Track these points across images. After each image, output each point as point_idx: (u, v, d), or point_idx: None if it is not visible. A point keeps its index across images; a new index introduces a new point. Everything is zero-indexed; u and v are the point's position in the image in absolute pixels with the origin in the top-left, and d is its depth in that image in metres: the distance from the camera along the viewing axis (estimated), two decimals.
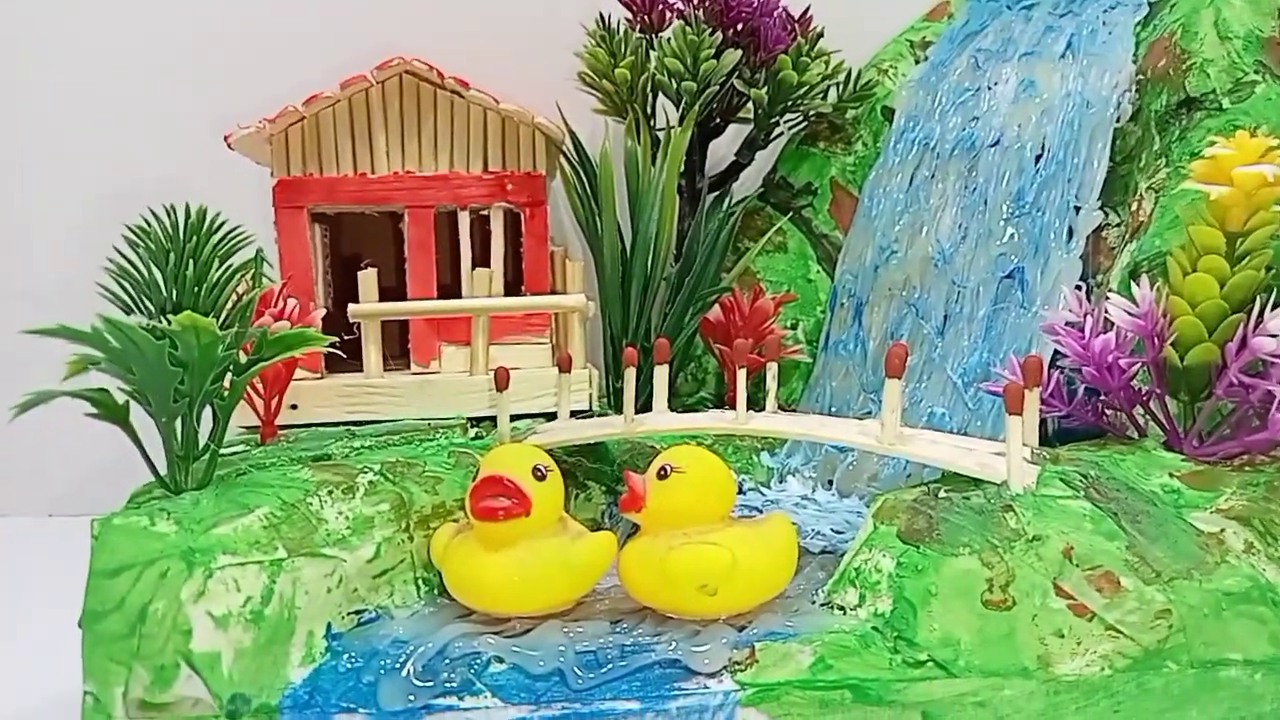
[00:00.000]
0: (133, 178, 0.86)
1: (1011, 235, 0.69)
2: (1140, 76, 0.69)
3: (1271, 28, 0.65)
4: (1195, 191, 0.55)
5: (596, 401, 0.70)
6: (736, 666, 0.42)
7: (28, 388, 0.42)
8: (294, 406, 0.64)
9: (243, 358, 0.49)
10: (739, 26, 0.77)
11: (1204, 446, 0.53)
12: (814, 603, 0.47)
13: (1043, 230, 0.67)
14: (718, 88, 0.77)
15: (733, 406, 0.57)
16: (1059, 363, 0.59)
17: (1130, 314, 0.54)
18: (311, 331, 0.49)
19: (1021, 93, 0.72)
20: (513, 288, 0.70)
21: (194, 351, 0.45)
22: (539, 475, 0.47)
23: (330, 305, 0.70)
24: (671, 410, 0.61)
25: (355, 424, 0.65)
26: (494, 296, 0.68)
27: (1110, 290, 0.62)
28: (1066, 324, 0.56)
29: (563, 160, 0.76)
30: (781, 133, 0.83)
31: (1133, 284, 0.56)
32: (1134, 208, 0.66)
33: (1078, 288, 0.59)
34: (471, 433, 0.64)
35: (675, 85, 0.76)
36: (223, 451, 0.51)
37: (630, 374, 0.60)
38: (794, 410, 0.77)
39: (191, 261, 0.51)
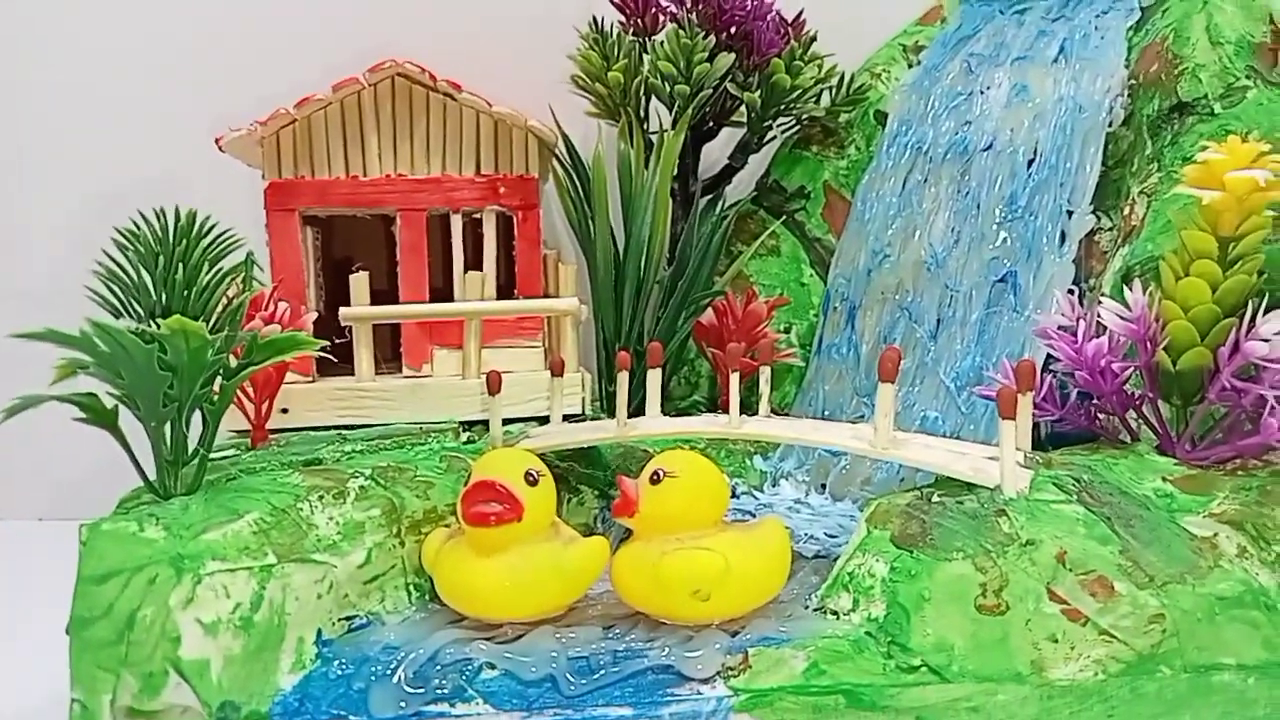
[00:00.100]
0: (132, 178, 0.86)
1: (1004, 239, 0.69)
2: (1132, 81, 0.69)
3: (1263, 33, 0.65)
4: (1187, 196, 0.56)
5: (589, 405, 0.70)
6: (730, 672, 0.42)
7: (25, 389, 0.42)
8: (285, 410, 0.64)
9: (233, 361, 0.48)
10: (732, 30, 0.77)
11: (1196, 450, 0.54)
12: (807, 608, 0.47)
13: (1035, 234, 0.67)
14: (711, 91, 0.77)
15: (726, 410, 0.57)
16: (1052, 367, 0.59)
17: (1123, 318, 0.55)
18: (302, 335, 0.49)
19: (1014, 97, 0.72)
20: (505, 291, 0.70)
21: (183, 355, 0.44)
22: (531, 480, 0.47)
23: (321, 308, 0.69)
24: (664, 414, 0.61)
25: (346, 428, 0.64)
26: (486, 300, 0.68)
27: (1103, 294, 0.62)
28: (1059, 328, 0.56)
29: (555, 163, 0.76)
30: (775, 136, 0.83)
31: (1125, 288, 0.56)
32: (1126, 212, 0.66)
33: (1070, 292, 0.59)
34: (463, 437, 0.64)
35: (668, 88, 0.76)
36: (212, 456, 0.51)
37: (623, 378, 0.60)
38: (787, 414, 0.77)
39: (181, 265, 0.51)
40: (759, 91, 0.77)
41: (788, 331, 0.79)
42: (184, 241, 0.52)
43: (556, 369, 0.64)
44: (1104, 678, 0.42)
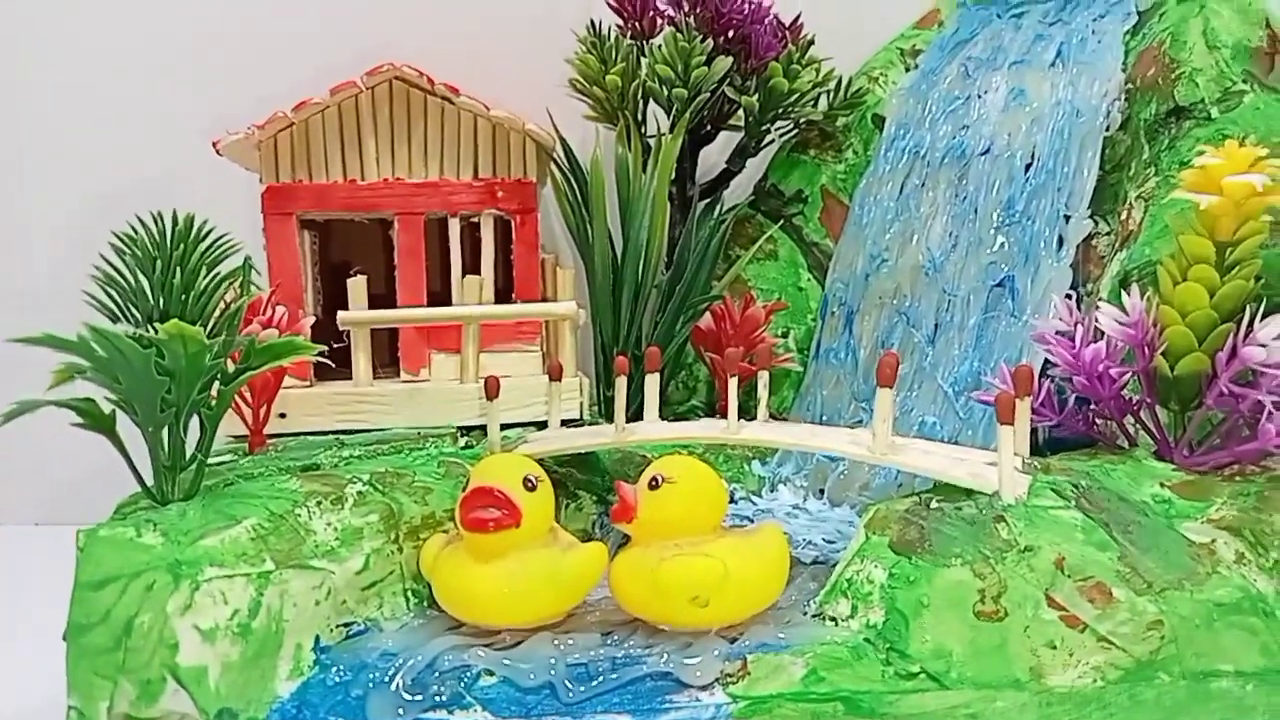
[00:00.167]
0: (131, 178, 0.86)
1: (1002, 244, 0.69)
2: (1129, 85, 0.69)
3: (1259, 37, 0.65)
4: (1185, 201, 0.56)
5: (587, 410, 0.70)
6: (728, 679, 0.42)
7: (23, 393, 0.42)
8: (282, 415, 0.64)
9: (230, 366, 0.48)
10: (730, 34, 0.77)
11: (1194, 456, 0.54)
12: (806, 614, 0.47)
13: (1033, 239, 0.67)
14: (709, 95, 0.77)
15: (724, 415, 0.57)
16: (1049, 372, 0.59)
17: (1120, 323, 0.55)
18: (300, 340, 0.49)
19: (1011, 101, 0.72)
20: (503, 295, 0.70)
21: (181, 360, 0.44)
22: (529, 486, 0.47)
23: (319, 313, 0.69)
24: (662, 419, 0.61)
25: (344, 433, 0.64)
26: (484, 304, 0.68)
27: (1100, 299, 0.62)
28: (1057, 333, 0.56)
29: (553, 167, 0.76)
30: (772, 140, 0.83)
31: (1123, 293, 0.56)
32: (1124, 216, 0.66)
33: (1068, 296, 0.59)
34: (461, 442, 0.64)
35: (666, 92, 0.76)
36: (210, 461, 0.50)
37: (621, 382, 0.60)
38: (785, 419, 0.77)
39: (179, 269, 0.51)
40: (757, 95, 0.78)
41: (785, 336, 0.79)
42: (181, 246, 0.51)
43: (554, 373, 0.64)
44: (1102, 684, 0.42)
